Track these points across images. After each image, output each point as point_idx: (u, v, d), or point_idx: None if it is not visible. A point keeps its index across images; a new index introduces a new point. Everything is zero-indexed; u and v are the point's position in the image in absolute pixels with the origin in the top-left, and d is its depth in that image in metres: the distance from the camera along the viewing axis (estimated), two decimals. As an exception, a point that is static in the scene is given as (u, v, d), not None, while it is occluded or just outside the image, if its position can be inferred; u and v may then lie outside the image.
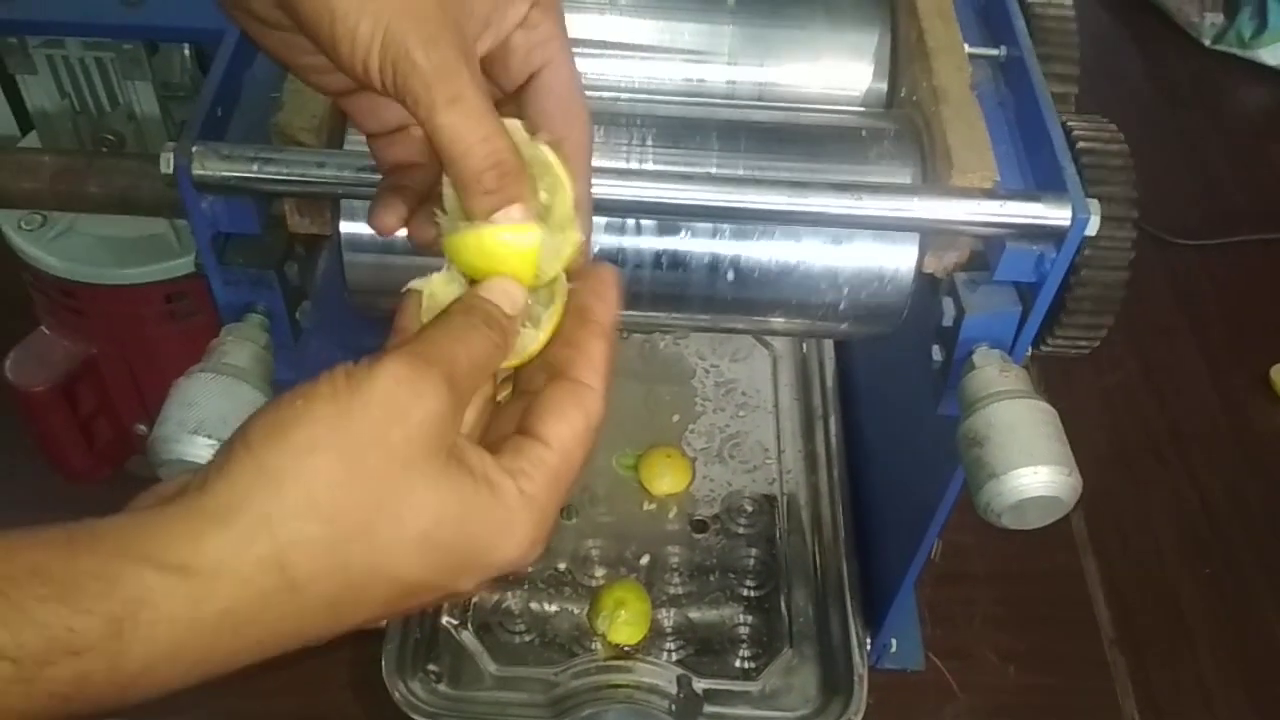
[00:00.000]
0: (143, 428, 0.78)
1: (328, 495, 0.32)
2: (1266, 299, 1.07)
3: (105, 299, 0.70)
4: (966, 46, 0.58)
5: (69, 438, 0.76)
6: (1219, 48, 1.34)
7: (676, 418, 0.92)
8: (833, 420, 0.89)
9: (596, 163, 0.53)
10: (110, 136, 0.68)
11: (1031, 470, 0.49)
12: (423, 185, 0.42)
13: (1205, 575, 0.87)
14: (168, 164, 0.48)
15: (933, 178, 0.54)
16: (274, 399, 0.33)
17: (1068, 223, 0.49)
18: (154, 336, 0.72)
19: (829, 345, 0.94)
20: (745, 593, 0.82)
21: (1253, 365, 1.00)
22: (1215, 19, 1.34)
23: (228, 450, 0.33)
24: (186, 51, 0.66)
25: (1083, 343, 0.58)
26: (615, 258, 0.56)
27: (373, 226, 0.42)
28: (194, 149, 0.49)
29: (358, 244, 0.55)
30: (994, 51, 0.60)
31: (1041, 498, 0.49)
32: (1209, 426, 0.96)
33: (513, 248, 0.38)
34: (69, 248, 0.70)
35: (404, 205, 0.42)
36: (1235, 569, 0.87)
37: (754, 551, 0.84)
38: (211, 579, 0.31)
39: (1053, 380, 0.97)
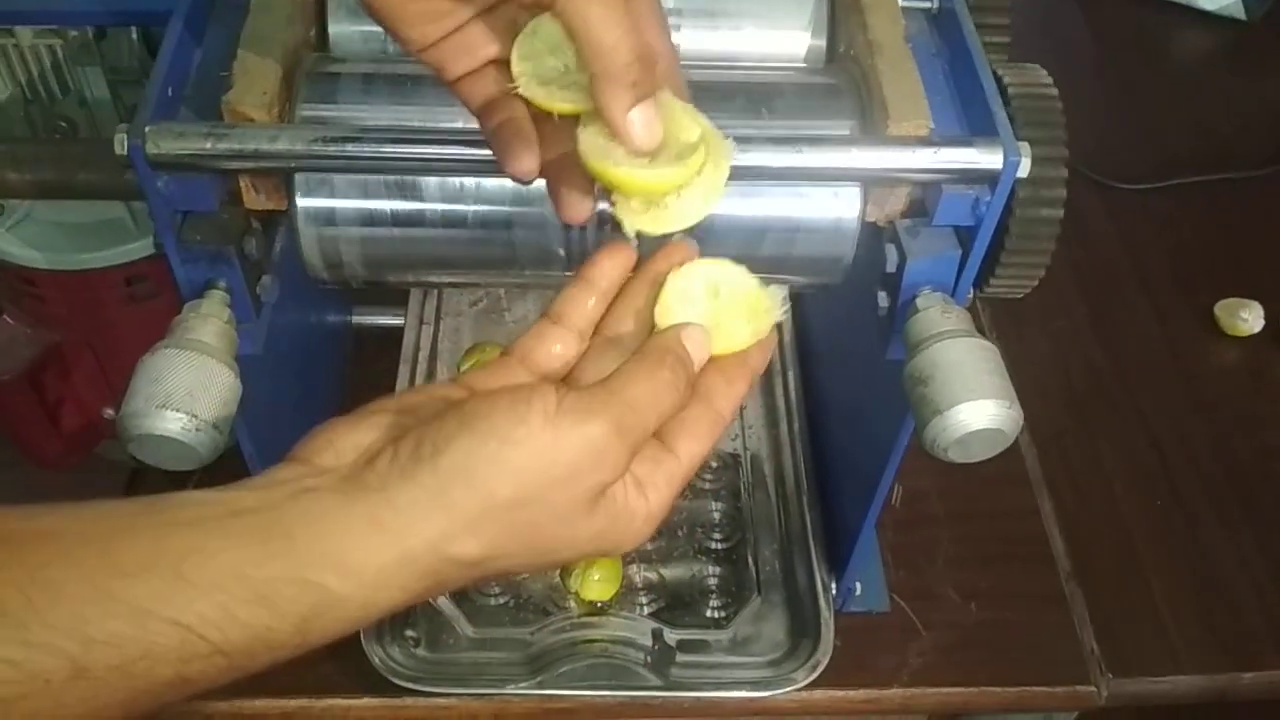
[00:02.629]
0: (110, 412, 0.79)
1: (491, 535, 0.37)
2: (1208, 238, 1.10)
3: (66, 285, 0.70)
4: (900, 0, 0.60)
5: (38, 426, 0.77)
6: (1157, -5, 1.37)
7: (639, 380, 0.94)
8: (791, 374, 0.91)
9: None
10: (63, 123, 0.69)
11: (974, 405, 0.51)
12: (523, 115, 0.44)
13: (1155, 508, 0.90)
14: (121, 145, 0.49)
15: (871, 128, 0.56)
16: (471, 427, 0.37)
17: (1000, 166, 0.51)
18: (116, 320, 0.73)
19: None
20: (713, 546, 0.84)
21: (1197, 303, 1.03)
22: (1152, -33, 1.36)
23: (415, 459, 0.37)
24: (134, 35, 0.66)
25: (1023, 283, 0.60)
26: (567, 220, 0.57)
27: (512, 174, 0.44)
28: (147, 129, 0.49)
29: (312, 218, 0.57)
30: (927, 4, 0.62)
31: (985, 430, 0.51)
32: (1155, 364, 0.99)
33: (672, 182, 0.42)
34: (26, 235, 0.70)
35: (529, 146, 0.44)
36: (1183, 500, 0.90)
37: (720, 506, 0.86)
38: (381, 589, 0.37)
39: (1002, 326, 1.00)
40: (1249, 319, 1.00)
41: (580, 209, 0.45)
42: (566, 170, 0.44)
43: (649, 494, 0.40)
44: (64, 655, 0.32)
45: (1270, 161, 1.16)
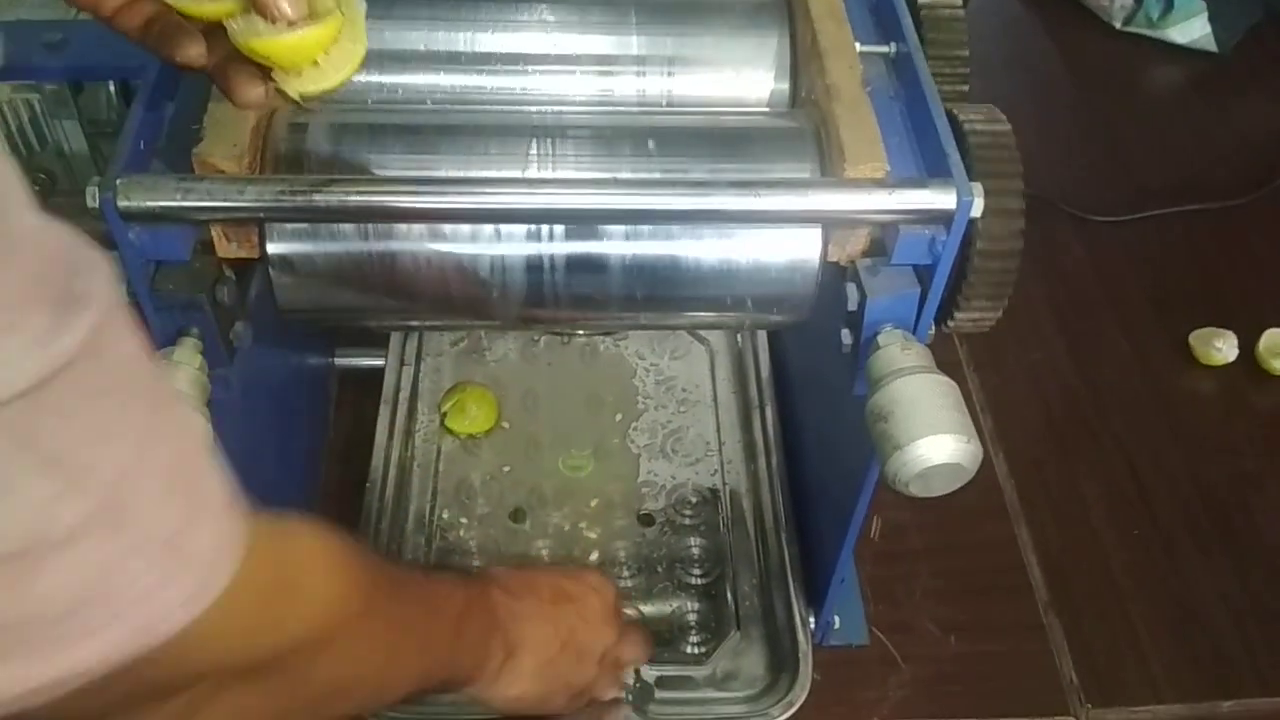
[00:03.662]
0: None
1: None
2: (1182, 269, 1.11)
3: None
4: (859, 45, 0.61)
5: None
6: (1130, 29, 1.38)
7: (619, 417, 0.94)
8: (769, 410, 0.92)
9: (510, 174, 0.56)
10: (42, 175, 0.70)
11: (933, 440, 0.52)
12: (181, 21, 0.48)
13: (1133, 537, 0.91)
14: (93, 198, 0.51)
15: (829, 171, 0.57)
16: None
17: (954, 206, 0.52)
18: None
19: (763, 338, 0.97)
20: (693, 581, 0.85)
21: (1172, 333, 1.04)
22: (1124, 2, 1.38)
23: None
24: (111, 88, 0.68)
25: (985, 319, 0.61)
26: (534, 264, 0.59)
27: (180, 62, 0.48)
28: (118, 182, 0.51)
29: (285, 265, 0.58)
30: (885, 49, 0.63)
31: (944, 465, 0.52)
32: (1132, 394, 1.00)
33: (317, 38, 0.48)
34: (7, 286, 0.71)
35: (192, 38, 0.48)
36: (1161, 528, 0.91)
37: (699, 541, 0.87)
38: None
39: (980, 359, 1.01)
40: (1223, 348, 1.01)
41: (250, 92, 0.49)
42: (232, 65, 0.49)
43: None
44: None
45: (1243, 191, 1.18)
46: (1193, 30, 1.36)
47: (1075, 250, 1.12)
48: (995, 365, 1.01)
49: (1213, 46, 1.36)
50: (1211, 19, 1.35)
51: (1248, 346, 1.02)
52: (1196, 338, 1.03)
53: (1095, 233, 1.14)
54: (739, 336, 0.98)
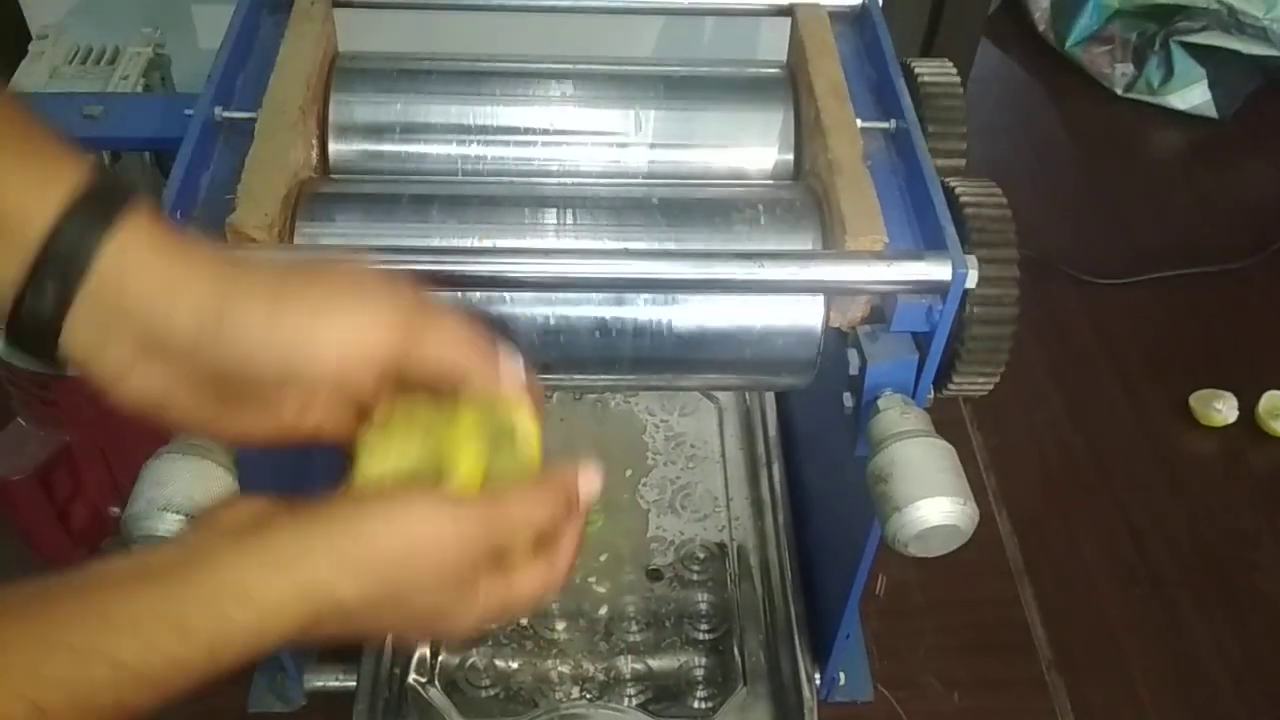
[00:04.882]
0: (117, 510, 0.82)
1: (367, 585, 0.42)
2: (1182, 331, 1.13)
3: (77, 390, 0.74)
4: (860, 121, 0.64)
5: (46, 523, 0.79)
6: (1131, 95, 1.42)
7: (629, 472, 0.96)
8: (776, 467, 0.94)
9: (525, 242, 0.59)
10: (78, 238, 0.73)
11: (931, 502, 0.54)
12: None
13: (1135, 596, 0.92)
14: (132, 265, 0.53)
15: (830, 242, 0.60)
16: (360, 498, 0.44)
17: (949, 278, 0.55)
18: (125, 423, 0.75)
19: (770, 396, 0.99)
20: (700, 636, 0.86)
21: (1172, 394, 1.06)
22: (1125, 69, 1.42)
23: (310, 515, 0.42)
24: (147, 158, 0.71)
25: (980, 384, 0.63)
26: (548, 327, 0.61)
27: None
28: (155, 251, 0.53)
29: (311, 328, 0.60)
30: (885, 125, 0.66)
31: (941, 527, 0.54)
32: (1132, 455, 1.02)
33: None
34: (42, 343, 0.74)
35: None
36: (1162, 588, 0.92)
37: (707, 597, 0.88)
38: (275, 618, 0.40)
39: (983, 419, 1.03)
40: (1223, 410, 1.03)
41: None
42: None
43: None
44: (23, 699, 0.36)
45: (1243, 255, 1.20)
46: (1193, 96, 1.39)
47: (1077, 312, 1.15)
48: (998, 425, 1.03)
49: (1213, 112, 1.39)
50: (1211, 85, 1.38)
51: (1248, 408, 1.04)
52: (1197, 399, 1.05)
53: (1097, 295, 1.16)
54: (747, 395, 1.00)
